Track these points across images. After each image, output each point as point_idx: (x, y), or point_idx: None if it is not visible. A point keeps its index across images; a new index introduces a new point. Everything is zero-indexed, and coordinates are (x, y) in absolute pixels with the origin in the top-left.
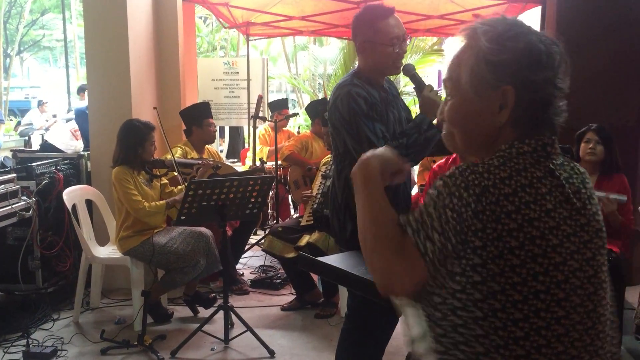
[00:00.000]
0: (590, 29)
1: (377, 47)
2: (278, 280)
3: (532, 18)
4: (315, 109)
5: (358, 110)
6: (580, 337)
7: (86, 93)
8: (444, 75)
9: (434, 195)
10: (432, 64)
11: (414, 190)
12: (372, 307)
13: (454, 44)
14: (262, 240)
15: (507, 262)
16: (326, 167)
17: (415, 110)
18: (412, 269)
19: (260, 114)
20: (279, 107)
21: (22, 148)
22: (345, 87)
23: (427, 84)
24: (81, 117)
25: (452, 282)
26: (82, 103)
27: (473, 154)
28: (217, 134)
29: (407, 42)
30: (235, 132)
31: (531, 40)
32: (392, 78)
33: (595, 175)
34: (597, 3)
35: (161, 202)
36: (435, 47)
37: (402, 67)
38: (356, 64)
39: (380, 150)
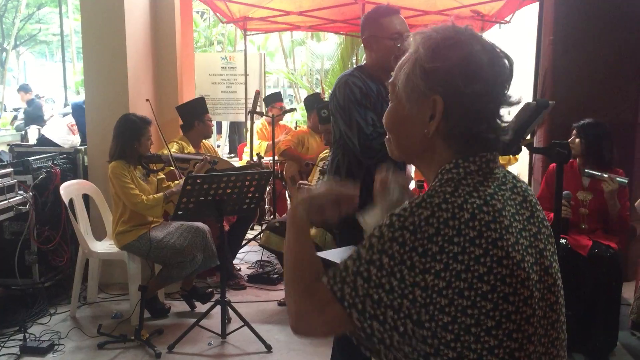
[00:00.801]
0: (588, 25)
1: (380, 40)
2: (275, 275)
3: (529, 15)
4: (312, 103)
5: (352, 97)
6: (546, 350)
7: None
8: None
9: (375, 236)
10: None
11: (411, 186)
12: None
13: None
14: (259, 236)
15: (477, 291)
16: (324, 163)
17: None
18: (325, 314)
19: (258, 109)
20: (273, 101)
21: (19, 142)
22: (344, 77)
23: None
24: (78, 111)
25: (421, 330)
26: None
27: (411, 162)
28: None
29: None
30: (235, 127)
31: (471, 51)
32: None
33: (587, 166)
34: (594, 0)
35: (159, 194)
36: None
37: None
38: (354, 59)
39: (316, 190)
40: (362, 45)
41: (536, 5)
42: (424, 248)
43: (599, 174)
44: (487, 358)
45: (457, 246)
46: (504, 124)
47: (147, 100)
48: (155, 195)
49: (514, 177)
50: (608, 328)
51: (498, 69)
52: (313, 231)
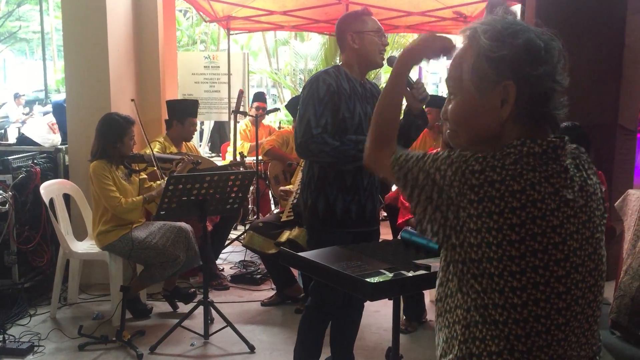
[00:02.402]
0: (569, 27)
1: (366, 36)
2: (258, 276)
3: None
4: (295, 105)
5: (315, 94)
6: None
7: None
8: (447, 74)
9: (435, 155)
10: None
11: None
12: (329, 292)
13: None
14: (243, 236)
15: (505, 252)
16: None
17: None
18: (383, 166)
19: (241, 109)
20: (254, 101)
21: None
22: (318, 73)
23: (414, 79)
24: (59, 110)
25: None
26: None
27: (478, 150)
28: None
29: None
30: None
31: (530, 37)
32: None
33: None
34: (575, 1)
35: (138, 197)
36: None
37: (387, 59)
38: (337, 59)
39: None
40: (339, 45)
41: (517, 7)
42: (462, 190)
43: None
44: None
45: (496, 207)
46: (561, 104)
47: (132, 100)
48: (134, 199)
49: (582, 164)
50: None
51: (553, 51)
52: (296, 231)
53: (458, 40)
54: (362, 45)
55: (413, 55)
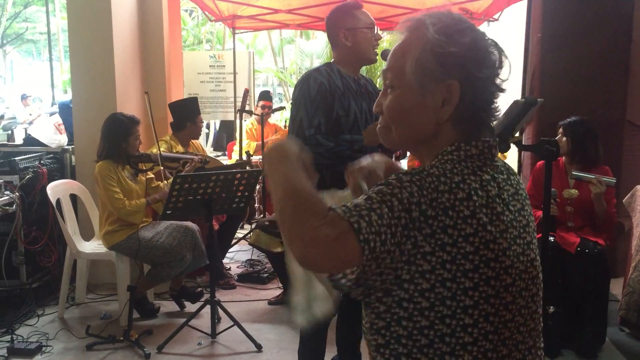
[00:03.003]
0: (576, 23)
1: (359, 32)
2: (265, 275)
3: (518, 13)
4: None
5: (306, 94)
6: (523, 339)
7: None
8: (386, 65)
9: (382, 185)
10: None
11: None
12: None
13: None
14: (249, 235)
15: (460, 267)
16: None
17: None
18: (340, 242)
19: (247, 108)
20: (260, 99)
21: (5, 142)
22: (309, 72)
23: None
24: (65, 110)
25: (399, 290)
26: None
27: (410, 149)
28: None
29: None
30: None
31: (478, 37)
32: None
33: (573, 165)
34: None
35: (141, 200)
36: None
37: (381, 53)
38: None
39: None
40: (330, 42)
41: (524, 3)
42: (422, 208)
43: (586, 175)
44: (460, 334)
45: (449, 219)
46: (496, 110)
47: (146, 92)
48: (137, 201)
49: (509, 168)
50: (597, 324)
51: (494, 56)
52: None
53: (397, 32)
54: (355, 42)
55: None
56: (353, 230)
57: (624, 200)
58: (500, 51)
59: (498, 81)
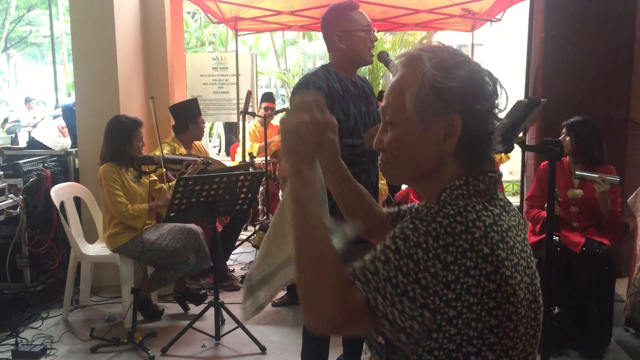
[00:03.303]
0: (578, 22)
1: (354, 34)
2: None
3: (520, 13)
4: None
5: None
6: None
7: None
8: (383, 102)
9: (399, 238)
10: None
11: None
12: None
13: (446, 38)
14: (253, 236)
15: (484, 306)
16: None
17: None
18: (357, 319)
19: (250, 110)
20: (261, 101)
21: (9, 145)
22: (307, 76)
23: None
24: (68, 113)
25: (428, 340)
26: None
27: (414, 184)
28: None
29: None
30: (229, 128)
31: (473, 70)
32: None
33: (577, 164)
34: None
35: (144, 205)
36: (425, 42)
37: (377, 55)
38: None
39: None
40: (326, 44)
41: (527, 3)
42: (440, 258)
43: (590, 175)
44: None
45: (469, 260)
46: (496, 141)
47: (152, 97)
48: (140, 206)
49: (504, 197)
50: (602, 324)
51: (490, 87)
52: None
53: (392, 68)
54: (350, 44)
55: (304, 150)
56: (371, 307)
57: (628, 200)
58: (495, 81)
59: (496, 113)
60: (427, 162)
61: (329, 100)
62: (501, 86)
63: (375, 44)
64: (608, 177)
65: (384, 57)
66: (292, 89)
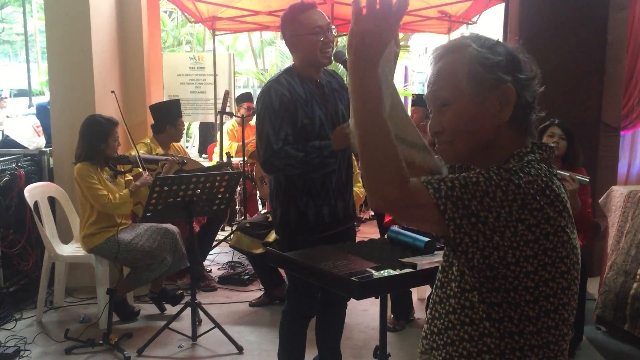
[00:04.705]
0: (552, 26)
1: (303, 38)
2: (246, 276)
3: (495, 16)
4: None
5: (269, 106)
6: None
7: None
8: (429, 88)
9: (481, 177)
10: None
11: None
12: (305, 295)
13: (424, 40)
14: (230, 237)
15: (559, 254)
16: None
17: None
18: (415, 206)
19: (227, 110)
20: (241, 101)
21: None
22: (269, 83)
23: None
24: (42, 112)
25: (505, 269)
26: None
27: (471, 158)
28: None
29: (334, 32)
30: (206, 128)
31: (509, 47)
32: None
33: (556, 167)
34: (558, 1)
35: (124, 191)
36: (402, 43)
37: (334, 55)
38: None
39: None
40: (287, 47)
41: (502, 6)
42: (524, 201)
43: (561, 172)
44: (543, 314)
45: (552, 211)
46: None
47: (113, 92)
48: (121, 193)
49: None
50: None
51: (526, 61)
52: (273, 236)
53: (432, 57)
54: (301, 49)
55: (368, 39)
56: (437, 211)
57: (599, 201)
58: (527, 55)
59: (536, 81)
60: (485, 132)
61: (291, 105)
62: (534, 62)
63: (337, 42)
64: (578, 177)
65: (340, 57)
66: (257, 98)
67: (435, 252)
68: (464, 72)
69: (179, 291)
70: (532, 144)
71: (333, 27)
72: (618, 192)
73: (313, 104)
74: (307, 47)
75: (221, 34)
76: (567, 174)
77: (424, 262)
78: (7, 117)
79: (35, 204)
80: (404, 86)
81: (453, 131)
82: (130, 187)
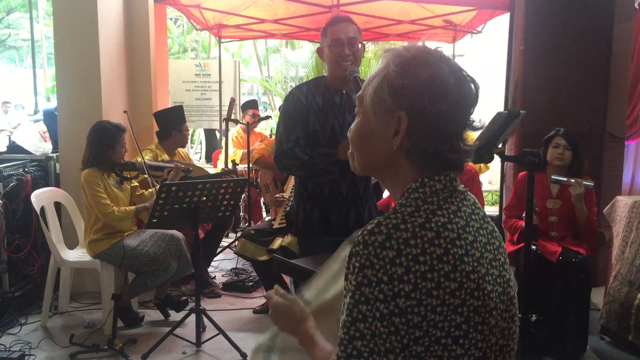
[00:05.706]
0: (558, 36)
1: (325, 50)
2: (250, 283)
3: (501, 25)
4: None
5: (285, 110)
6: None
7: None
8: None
9: (353, 290)
10: None
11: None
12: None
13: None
14: (234, 243)
15: (449, 306)
16: None
17: None
18: None
19: (233, 117)
20: (247, 108)
21: None
22: (292, 90)
23: None
24: (49, 118)
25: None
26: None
27: (378, 176)
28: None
29: (359, 47)
30: (211, 135)
31: (439, 72)
32: None
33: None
34: (563, 11)
35: (131, 207)
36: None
37: (348, 71)
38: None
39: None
40: None
41: (507, 16)
42: (389, 275)
43: (565, 179)
44: None
45: (423, 265)
46: (466, 147)
47: (125, 112)
48: (127, 208)
49: (475, 202)
50: (578, 333)
51: (464, 92)
52: (288, 239)
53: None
54: (325, 60)
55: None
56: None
57: (604, 211)
58: (475, 90)
59: (463, 119)
60: (378, 155)
61: (304, 111)
62: (476, 95)
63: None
64: (583, 182)
65: (351, 73)
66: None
67: None
68: (373, 87)
69: (184, 297)
70: (424, 177)
71: (362, 42)
72: (622, 202)
73: (328, 112)
74: (327, 57)
75: (227, 42)
76: (572, 180)
77: None
78: (9, 124)
79: (42, 209)
80: None
81: (351, 142)
82: (138, 207)
